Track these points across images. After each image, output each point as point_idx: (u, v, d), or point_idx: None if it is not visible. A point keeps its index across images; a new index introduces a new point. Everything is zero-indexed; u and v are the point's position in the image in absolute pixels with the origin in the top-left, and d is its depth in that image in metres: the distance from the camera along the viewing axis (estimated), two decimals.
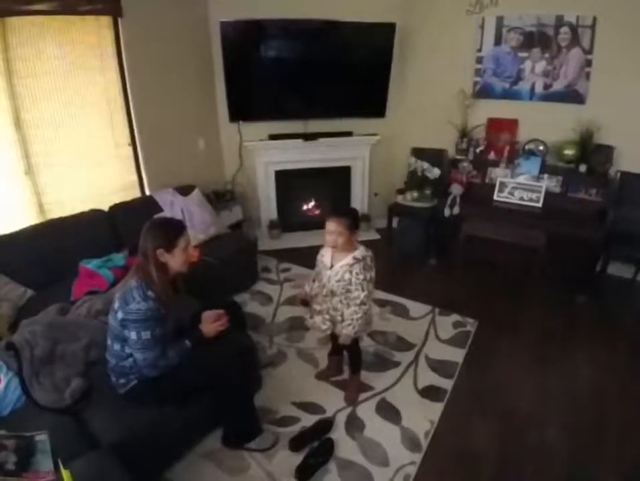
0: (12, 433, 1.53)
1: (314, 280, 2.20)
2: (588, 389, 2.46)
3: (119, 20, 3.04)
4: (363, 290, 2.01)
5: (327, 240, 2.01)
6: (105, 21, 3.00)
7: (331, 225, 1.97)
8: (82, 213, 2.93)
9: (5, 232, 2.60)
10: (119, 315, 1.72)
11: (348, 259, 2.01)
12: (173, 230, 1.80)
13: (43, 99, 2.78)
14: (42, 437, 1.54)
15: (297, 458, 1.99)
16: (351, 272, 2.00)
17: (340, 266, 2.03)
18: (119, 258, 2.86)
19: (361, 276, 2.00)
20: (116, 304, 1.76)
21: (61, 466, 1.45)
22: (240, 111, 3.80)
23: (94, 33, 2.97)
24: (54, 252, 2.68)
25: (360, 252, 2.03)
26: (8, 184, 2.70)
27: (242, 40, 3.56)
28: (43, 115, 2.80)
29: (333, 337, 2.34)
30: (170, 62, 3.43)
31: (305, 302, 2.27)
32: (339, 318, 2.11)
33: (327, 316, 2.14)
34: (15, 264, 2.53)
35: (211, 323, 1.95)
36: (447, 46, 3.81)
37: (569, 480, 1.92)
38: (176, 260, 1.79)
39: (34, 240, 2.64)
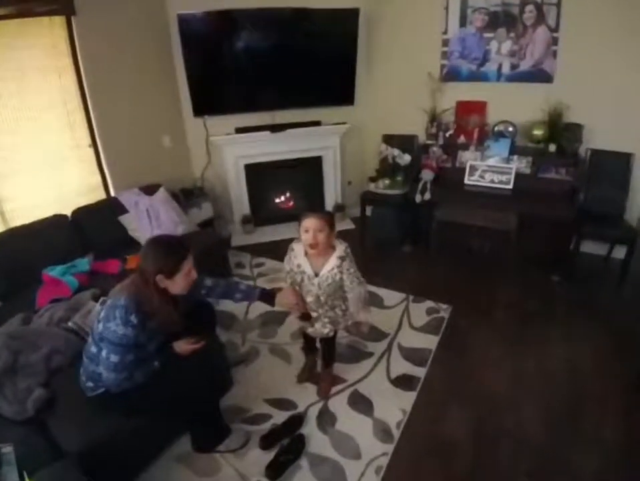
0: None
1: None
2: (565, 369, 2.47)
3: (73, 18, 2.93)
4: (356, 279, 1.99)
5: (305, 239, 1.88)
6: (59, 20, 2.90)
7: (311, 222, 1.85)
8: (44, 219, 2.85)
9: None
10: (100, 327, 1.67)
11: (333, 261, 1.94)
12: (176, 254, 1.68)
13: (1, 105, 2.69)
14: (7, 450, 1.56)
15: (269, 456, 1.98)
16: (341, 271, 1.95)
17: (327, 271, 1.95)
18: (83, 263, 2.80)
19: (352, 270, 1.97)
20: (102, 313, 1.69)
21: (26, 478, 1.47)
22: (205, 105, 3.71)
23: (48, 34, 2.88)
24: (18, 260, 2.62)
25: (340, 249, 1.96)
26: None
27: (202, 32, 3.46)
28: (1, 120, 2.71)
29: (306, 335, 2.32)
30: (129, 58, 3.33)
31: (306, 315, 2.11)
32: (340, 313, 2.10)
33: (326, 320, 2.11)
34: None
35: (186, 343, 1.89)
36: (412, 29, 3.76)
37: (546, 463, 1.93)
38: (176, 286, 1.70)
39: None
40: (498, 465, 1.94)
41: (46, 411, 1.80)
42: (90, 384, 1.77)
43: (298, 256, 2.01)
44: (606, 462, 1.92)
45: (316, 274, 1.98)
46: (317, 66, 3.78)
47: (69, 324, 2.22)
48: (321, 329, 2.13)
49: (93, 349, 1.73)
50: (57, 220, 2.91)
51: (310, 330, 2.19)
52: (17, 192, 2.86)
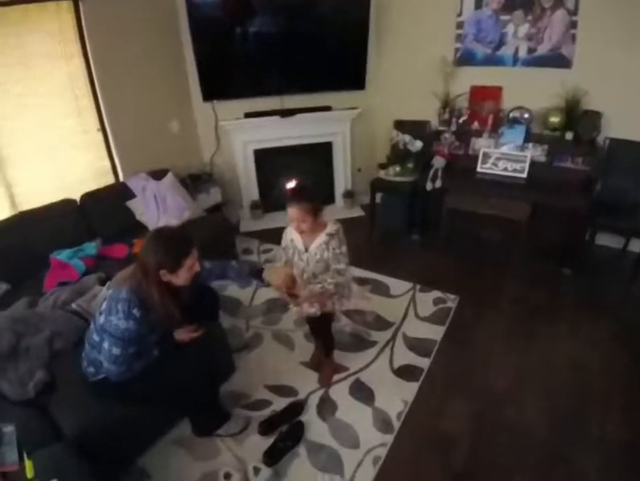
0: None
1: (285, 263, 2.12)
2: (571, 365, 2.41)
3: (80, 3, 2.91)
4: (339, 262, 1.98)
5: (294, 227, 1.96)
6: (66, 5, 2.88)
7: (292, 212, 1.88)
8: (53, 203, 2.88)
9: None
10: (101, 319, 1.67)
11: (322, 237, 1.96)
12: (180, 249, 1.64)
13: (6, 91, 2.69)
14: (8, 429, 1.58)
15: (267, 442, 1.99)
16: (328, 248, 1.96)
17: (316, 247, 1.98)
18: (91, 247, 2.84)
19: (338, 250, 1.96)
20: (103, 305, 1.69)
21: (25, 458, 1.50)
22: (214, 89, 3.67)
23: (54, 19, 2.85)
24: (27, 244, 2.65)
25: (331, 227, 1.98)
26: None
27: (211, 16, 3.41)
28: (8, 106, 2.72)
29: (310, 321, 2.31)
30: (137, 43, 3.30)
31: (292, 295, 2.04)
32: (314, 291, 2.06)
33: (314, 299, 2.08)
34: None
35: (187, 331, 1.90)
36: (425, 12, 3.63)
37: (547, 460, 1.90)
38: (179, 279, 1.67)
39: (5, 233, 2.61)
40: (497, 460, 1.91)
41: (47, 394, 1.84)
42: (91, 369, 1.79)
43: (292, 232, 2.04)
44: (610, 460, 1.88)
45: (307, 250, 2.00)
46: (328, 50, 3.70)
47: (73, 306, 2.25)
48: (307, 308, 2.07)
49: (95, 337, 1.73)
50: (66, 204, 2.94)
51: (295, 309, 2.14)
52: (25, 176, 2.88)
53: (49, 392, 1.86)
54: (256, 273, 2.07)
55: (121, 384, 1.73)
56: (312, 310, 2.07)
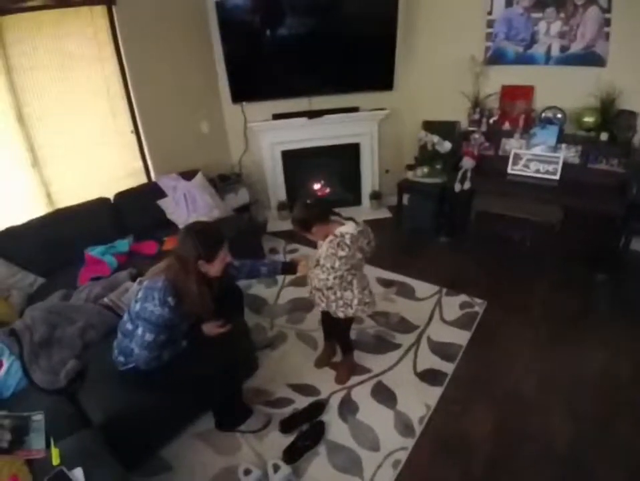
0: (11, 413, 1.65)
1: None
2: (600, 376, 2.32)
3: (113, 8, 3.02)
4: (328, 272, 1.97)
5: None
6: (99, 10, 2.99)
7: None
8: (88, 202, 3.01)
9: (15, 223, 2.70)
10: (137, 307, 1.75)
11: (330, 237, 1.97)
12: (215, 240, 1.78)
13: (43, 93, 2.83)
14: (38, 417, 1.66)
15: (288, 440, 2.01)
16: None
17: (325, 245, 1.99)
18: (123, 245, 2.94)
19: (331, 251, 1.93)
20: (139, 294, 1.78)
21: (52, 444, 1.56)
22: (243, 91, 3.74)
23: (89, 24, 2.97)
24: (62, 240, 2.77)
25: (341, 229, 1.95)
26: (17, 177, 2.80)
27: (240, 18, 3.47)
28: (45, 108, 2.85)
29: (324, 321, 2.32)
30: (168, 45, 3.40)
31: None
32: (332, 297, 2.08)
33: (323, 296, 2.12)
34: (26, 253, 2.65)
35: (214, 326, 1.95)
36: (455, 10, 3.57)
37: (569, 474, 1.83)
38: (214, 269, 1.79)
39: (42, 229, 2.74)
40: (519, 470, 1.86)
41: (77, 383, 1.91)
42: (121, 358, 1.85)
43: None
44: (636, 476, 1.79)
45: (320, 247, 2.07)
46: (356, 50, 3.69)
47: (105, 300, 2.34)
48: (317, 300, 2.17)
49: (129, 326, 1.81)
50: (100, 202, 3.06)
51: (311, 296, 2.23)
52: (62, 175, 3.02)
53: (80, 381, 1.93)
54: (289, 267, 2.20)
55: (149, 373, 1.80)
56: (322, 304, 2.14)
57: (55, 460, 1.51)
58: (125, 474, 1.55)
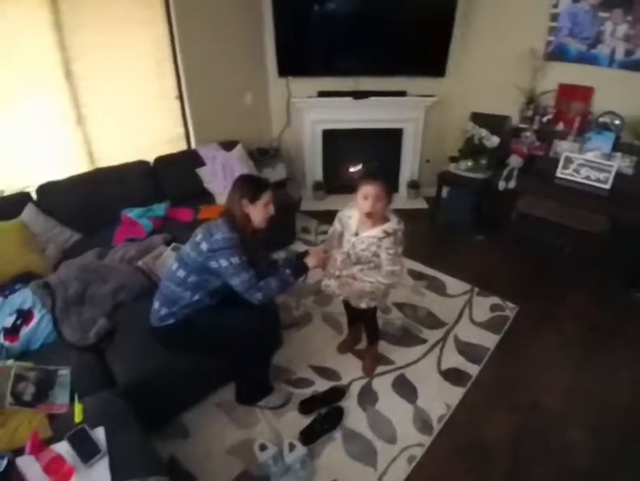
0: (37, 365, 1.66)
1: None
2: (628, 392, 2.23)
3: None
4: (395, 264, 1.92)
5: (363, 207, 1.84)
6: None
7: (369, 189, 1.81)
8: (128, 163, 3.03)
9: (56, 178, 2.74)
10: (204, 246, 1.77)
11: (377, 231, 1.89)
12: (258, 185, 1.89)
13: (91, 51, 2.82)
14: (64, 372, 1.67)
15: (305, 421, 2.02)
16: (379, 246, 1.90)
17: (367, 236, 1.91)
18: (160, 208, 2.96)
19: (392, 251, 1.89)
20: (199, 236, 1.81)
21: (76, 400, 1.57)
22: (290, 65, 3.67)
23: None
24: (100, 199, 2.82)
25: (391, 224, 1.90)
26: (61, 134, 2.83)
27: None
28: (92, 66, 2.85)
29: (348, 306, 2.29)
30: (219, 13, 3.34)
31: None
32: (357, 286, 2.01)
33: (345, 284, 2.04)
34: (64, 208, 2.69)
35: (315, 254, 1.99)
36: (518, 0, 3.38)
37: None
38: (257, 213, 1.86)
39: (82, 186, 2.79)
40: (535, 479, 1.82)
41: (105, 341, 1.94)
42: (164, 311, 1.84)
43: (352, 211, 1.98)
44: None
45: (357, 234, 1.95)
46: (410, 33, 3.56)
47: (139, 263, 2.36)
48: (334, 288, 2.06)
49: (180, 273, 1.82)
50: (140, 165, 3.08)
51: (325, 283, 2.11)
52: (104, 135, 3.04)
53: (108, 341, 1.96)
54: (300, 270, 2.01)
55: (185, 330, 1.85)
56: (344, 294, 2.07)
57: (78, 417, 1.50)
58: (146, 440, 1.53)
